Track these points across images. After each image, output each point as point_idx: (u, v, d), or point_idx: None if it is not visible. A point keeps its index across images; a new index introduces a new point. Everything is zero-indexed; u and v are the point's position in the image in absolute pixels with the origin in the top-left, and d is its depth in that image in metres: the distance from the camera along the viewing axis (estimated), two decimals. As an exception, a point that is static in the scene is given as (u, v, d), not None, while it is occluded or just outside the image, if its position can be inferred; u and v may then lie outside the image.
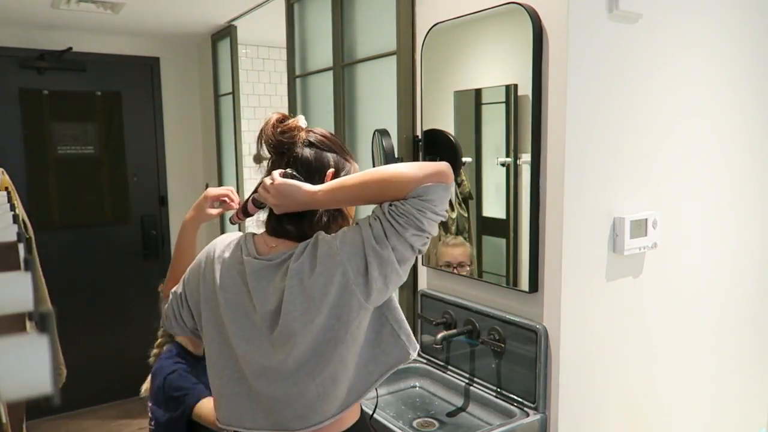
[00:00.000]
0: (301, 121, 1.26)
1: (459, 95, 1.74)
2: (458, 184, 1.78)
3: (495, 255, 1.69)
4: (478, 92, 1.68)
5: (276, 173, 1.17)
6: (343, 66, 2.28)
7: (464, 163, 1.74)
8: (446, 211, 1.14)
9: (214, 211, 1.42)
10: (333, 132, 1.30)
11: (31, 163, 3.38)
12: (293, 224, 1.20)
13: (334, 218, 1.23)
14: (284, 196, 1.15)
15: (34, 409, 3.26)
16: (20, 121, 3.33)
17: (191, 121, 3.85)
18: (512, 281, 1.61)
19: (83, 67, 3.45)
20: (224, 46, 3.38)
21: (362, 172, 1.16)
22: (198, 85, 3.84)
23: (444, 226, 1.83)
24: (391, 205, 1.10)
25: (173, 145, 3.81)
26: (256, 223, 1.32)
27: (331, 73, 2.35)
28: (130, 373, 3.86)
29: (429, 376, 1.87)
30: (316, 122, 2.57)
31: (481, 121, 1.69)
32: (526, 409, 1.56)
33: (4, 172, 1.93)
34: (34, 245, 2.14)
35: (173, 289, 1.37)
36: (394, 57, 1.95)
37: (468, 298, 1.76)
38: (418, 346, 1.23)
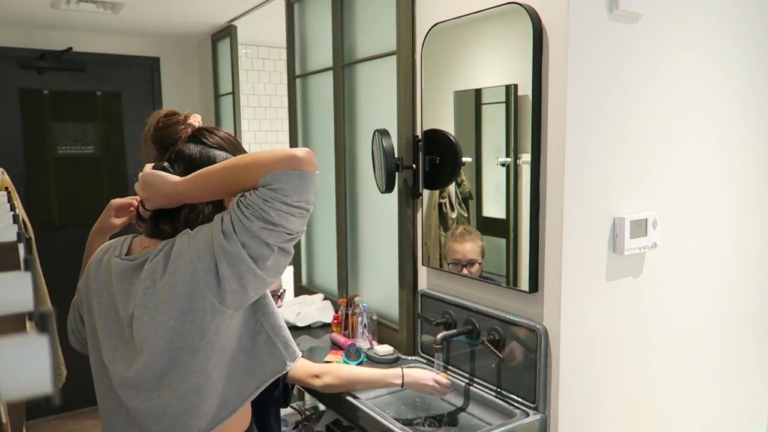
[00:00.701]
0: (193, 118, 1.18)
1: (459, 95, 1.74)
2: (458, 184, 1.77)
3: (495, 255, 1.69)
4: (478, 92, 1.68)
5: (148, 166, 1.11)
6: (343, 66, 2.28)
7: (464, 163, 1.74)
8: (305, 202, 1.01)
9: (119, 221, 1.34)
10: (231, 134, 1.21)
11: (31, 163, 3.38)
12: (169, 223, 1.13)
13: (212, 217, 1.12)
14: (150, 187, 1.08)
15: (34, 409, 3.25)
16: (20, 121, 3.33)
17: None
18: (512, 281, 1.61)
19: (83, 67, 3.45)
20: (224, 46, 3.38)
21: (226, 160, 1.08)
22: (198, 85, 3.84)
23: (444, 224, 1.83)
24: (241, 195, 1.01)
25: (173, 145, 3.80)
26: None
27: (331, 73, 2.35)
28: (130, 373, 3.86)
29: (429, 376, 1.87)
30: (316, 122, 2.57)
31: (481, 121, 1.69)
32: (526, 409, 1.56)
33: (4, 172, 1.93)
34: (34, 245, 2.14)
35: (73, 300, 1.30)
36: (394, 57, 1.95)
37: (468, 298, 1.76)
38: (299, 354, 1.15)
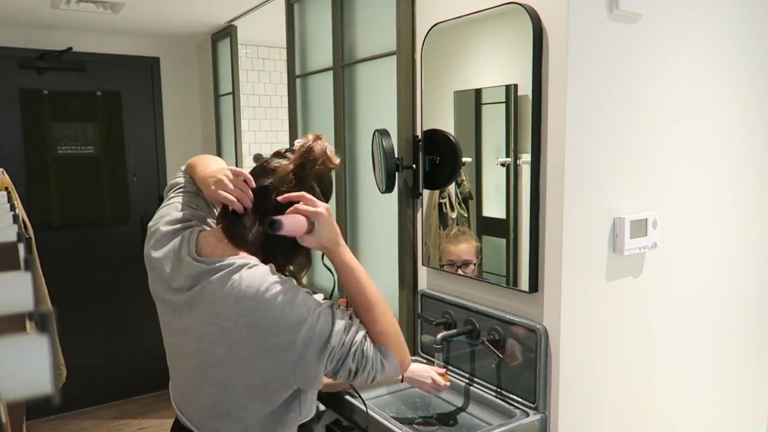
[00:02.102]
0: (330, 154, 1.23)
1: (459, 95, 1.74)
2: (458, 184, 1.77)
3: (495, 255, 1.69)
4: (478, 92, 1.68)
5: (323, 206, 1.15)
6: (343, 66, 2.28)
7: (464, 163, 1.74)
8: (373, 380, 1.15)
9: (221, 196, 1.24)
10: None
11: (31, 163, 3.38)
12: (262, 245, 1.17)
13: (297, 255, 1.22)
14: (323, 226, 1.13)
15: (34, 409, 3.26)
16: (20, 121, 3.33)
17: (191, 121, 3.85)
18: (512, 281, 1.61)
19: (83, 67, 3.45)
20: (224, 46, 3.38)
21: (376, 290, 1.22)
22: (198, 85, 3.84)
23: (444, 224, 1.83)
24: (362, 337, 1.12)
25: (173, 145, 3.80)
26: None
27: (331, 73, 2.35)
28: (130, 373, 3.86)
29: (429, 376, 1.87)
30: (316, 122, 2.57)
31: (481, 121, 1.69)
32: (526, 409, 1.56)
33: (4, 172, 1.93)
34: (34, 245, 2.14)
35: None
36: (394, 57, 1.95)
37: (468, 298, 1.76)
38: (314, 410, 1.26)
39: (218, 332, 1.10)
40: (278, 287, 1.08)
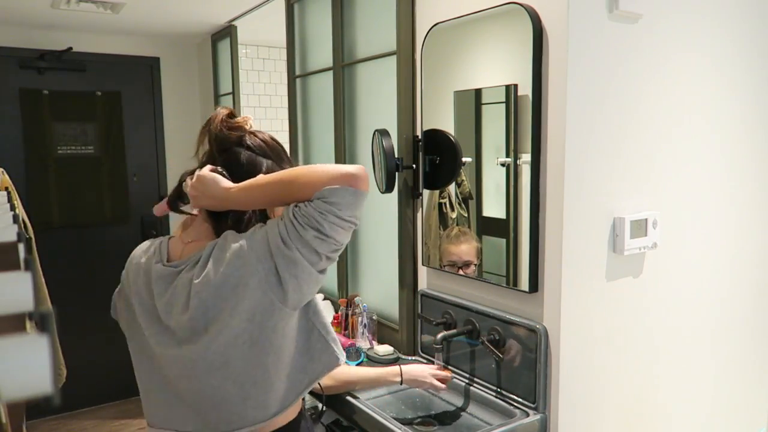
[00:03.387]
0: (249, 122, 1.24)
1: (459, 95, 1.74)
2: (458, 184, 1.77)
3: (495, 255, 1.69)
4: (478, 92, 1.68)
5: (207, 167, 1.16)
6: (343, 66, 2.28)
7: (464, 163, 1.74)
8: (355, 218, 1.08)
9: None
10: (275, 138, 1.27)
11: (31, 163, 3.38)
12: (213, 221, 1.20)
13: (258, 221, 1.20)
14: (202, 186, 1.14)
15: (34, 409, 3.25)
16: (20, 121, 3.33)
17: (191, 121, 3.85)
18: (512, 281, 1.61)
19: (83, 67, 3.45)
20: (224, 46, 3.38)
21: (279, 171, 1.14)
22: (198, 85, 3.84)
23: (443, 224, 1.83)
24: (295, 205, 1.07)
25: (173, 145, 3.80)
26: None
27: (331, 73, 2.35)
28: (130, 373, 3.86)
29: (429, 376, 1.87)
30: (316, 122, 2.58)
31: (481, 121, 1.69)
32: (526, 409, 1.56)
33: (4, 172, 1.93)
34: (34, 245, 2.14)
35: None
36: (394, 57, 1.95)
37: (468, 298, 1.76)
38: (344, 353, 1.22)
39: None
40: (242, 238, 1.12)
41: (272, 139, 1.26)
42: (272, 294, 1.07)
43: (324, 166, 1.08)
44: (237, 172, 1.17)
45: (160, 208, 1.33)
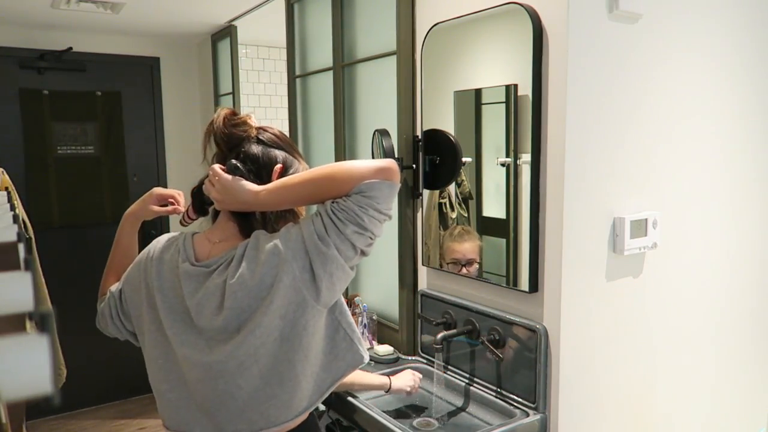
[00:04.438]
0: (252, 118, 1.24)
1: (459, 95, 1.74)
2: (458, 184, 1.77)
3: (495, 255, 1.69)
4: (478, 92, 1.68)
5: (216, 166, 1.16)
6: (343, 66, 2.28)
7: (464, 163, 1.74)
8: (390, 210, 1.11)
9: (158, 209, 1.37)
10: (282, 131, 1.29)
11: (31, 163, 3.38)
12: (239, 221, 1.19)
13: (284, 218, 1.22)
14: (228, 192, 1.14)
15: (34, 409, 3.25)
16: (20, 121, 3.33)
17: (191, 121, 3.85)
18: (512, 281, 1.61)
19: (83, 67, 3.45)
20: (224, 46, 3.38)
21: (307, 170, 1.14)
22: (198, 85, 3.84)
23: (444, 224, 1.83)
24: (333, 201, 1.08)
25: (173, 145, 3.81)
26: (199, 225, 1.31)
27: (331, 73, 2.35)
28: (130, 373, 3.86)
29: (429, 376, 1.87)
30: (316, 122, 2.57)
31: (481, 121, 1.69)
32: (526, 409, 1.56)
33: (4, 172, 1.93)
34: (34, 245, 2.14)
35: (111, 288, 1.35)
36: (394, 57, 1.95)
37: (468, 298, 1.76)
38: (368, 352, 1.22)
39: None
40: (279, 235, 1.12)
41: (280, 132, 1.27)
42: (305, 291, 1.08)
43: (359, 163, 1.09)
44: (254, 166, 1.17)
45: (186, 219, 1.31)
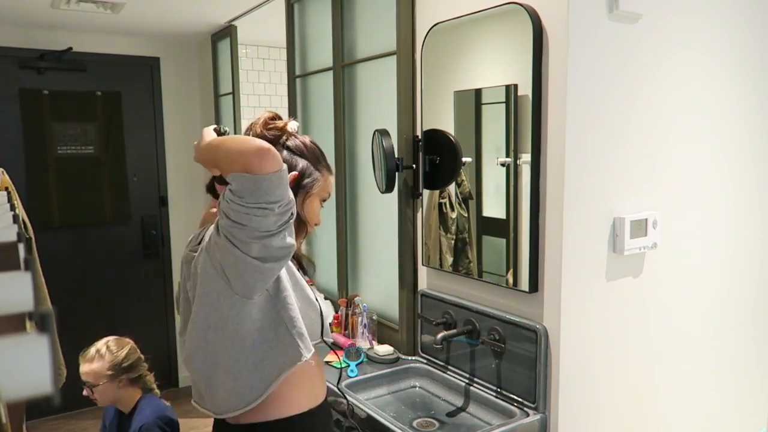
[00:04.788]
0: (291, 125, 1.27)
1: (459, 95, 1.74)
2: (458, 184, 1.77)
3: (495, 255, 1.69)
4: (478, 92, 1.68)
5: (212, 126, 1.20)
6: (343, 66, 2.28)
7: (464, 163, 1.74)
8: (265, 203, 1.00)
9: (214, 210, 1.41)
10: (315, 141, 1.31)
11: (31, 163, 3.38)
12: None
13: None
14: (198, 139, 1.16)
15: (34, 409, 3.26)
16: (20, 121, 3.33)
17: (191, 121, 3.85)
18: (512, 281, 1.61)
19: (83, 67, 3.45)
20: (224, 46, 3.38)
21: (222, 138, 1.13)
22: (198, 85, 3.84)
23: (444, 224, 1.83)
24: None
25: (173, 145, 3.81)
26: None
27: (331, 73, 2.35)
28: (130, 373, 3.86)
29: (429, 376, 1.87)
30: (316, 122, 2.57)
31: (481, 121, 1.69)
32: (526, 409, 1.56)
33: (4, 172, 1.93)
34: (34, 245, 2.14)
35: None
36: (394, 57, 1.95)
37: (468, 298, 1.76)
38: (312, 349, 1.21)
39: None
40: None
41: (311, 142, 1.30)
42: (222, 280, 1.11)
43: (236, 141, 1.04)
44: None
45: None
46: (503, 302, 1.65)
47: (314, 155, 1.28)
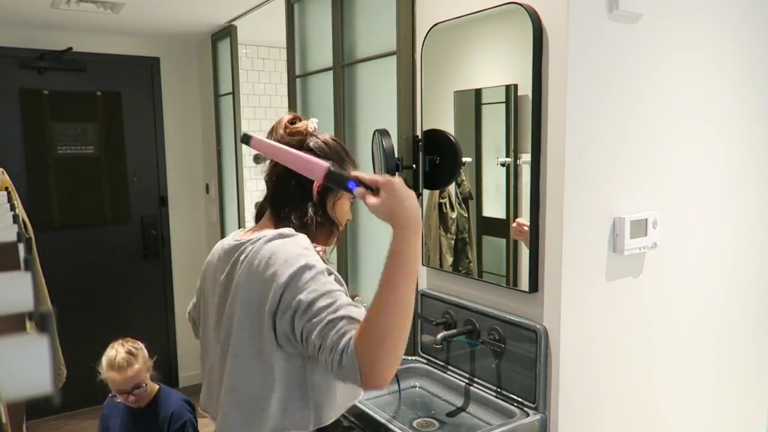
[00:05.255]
0: (311, 124, 1.25)
1: (459, 95, 1.74)
2: (458, 184, 1.78)
3: (495, 255, 1.69)
4: (478, 92, 1.68)
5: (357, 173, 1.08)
6: (343, 66, 2.28)
7: (464, 163, 1.74)
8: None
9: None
10: (337, 138, 1.29)
11: (31, 163, 3.38)
12: (274, 208, 1.22)
13: (321, 224, 1.22)
14: (404, 206, 1.02)
15: (34, 409, 3.26)
16: (20, 121, 3.33)
17: (191, 121, 3.85)
18: (512, 281, 1.61)
19: (83, 67, 3.45)
20: (224, 46, 3.38)
21: (407, 300, 1.01)
22: (198, 85, 3.84)
23: (443, 224, 1.83)
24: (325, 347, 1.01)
25: (173, 145, 3.81)
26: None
27: (331, 73, 2.35)
28: (130, 373, 3.86)
29: (429, 376, 1.87)
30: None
31: (481, 121, 1.69)
32: (526, 409, 1.56)
33: (4, 172, 1.93)
34: (34, 245, 2.14)
35: None
36: (394, 57, 1.95)
37: (468, 298, 1.76)
38: (324, 422, 1.17)
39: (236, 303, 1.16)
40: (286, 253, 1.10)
41: (333, 139, 1.26)
42: (268, 325, 1.10)
43: (384, 367, 0.98)
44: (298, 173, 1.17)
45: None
46: (503, 302, 1.65)
47: (338, 154, 1.24)
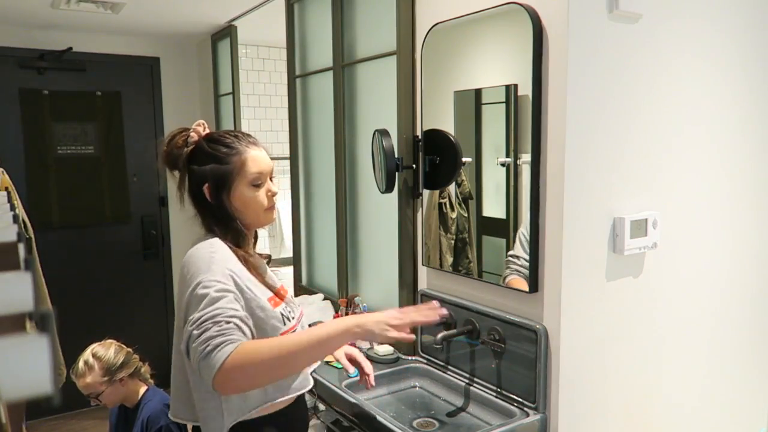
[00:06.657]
0: (196, 130, 1.31)
1: (459, 95, 1.74)
2: (458, 184, 1.78)
3: (495, 255, 1.69)
4: (478, 92, 1.68)
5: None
6: (343, 66, 2.28)
7: (464, 163, 1.74)
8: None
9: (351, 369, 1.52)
10: (216, 132, 1.36)
11: (31, 163, 3.38)
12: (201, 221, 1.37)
13: (226, 221, 1.30)
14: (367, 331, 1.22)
15: (34, 409, 3.25)
16: (20, 121, 3.33)
17: (191, 121, 3.81)
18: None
19: (83, 67, 3.45)
20: (224, 46, 3.38)
21: (313, 336, 1.14)
22: (198, 85, 3.84)
23: (444, 224, 1.83)
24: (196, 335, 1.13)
25: (173, 145, 3.80)
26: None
27: (331, 73, 2.35)
28: (130, 373, 3.86)
29: (429, 376, 1.87)
30: (316, 122, 2.58)
31: (481, 121, 1.69)
32: (526, 409, 1.56)
33: (4, 172, 1.93)
34: (34, 245, 2.14)
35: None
36: (394, 57, 1.95)
37: (468, 298, 1.76)
38: (226, 426, 1.24)
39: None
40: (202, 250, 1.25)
41: (208, 136, 1.35)
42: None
43: (245, 379, 1.09)
44: (189, 188, 1.36)
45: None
46: (503, 302, 1.65)
47: (215, 152, 1.28)
